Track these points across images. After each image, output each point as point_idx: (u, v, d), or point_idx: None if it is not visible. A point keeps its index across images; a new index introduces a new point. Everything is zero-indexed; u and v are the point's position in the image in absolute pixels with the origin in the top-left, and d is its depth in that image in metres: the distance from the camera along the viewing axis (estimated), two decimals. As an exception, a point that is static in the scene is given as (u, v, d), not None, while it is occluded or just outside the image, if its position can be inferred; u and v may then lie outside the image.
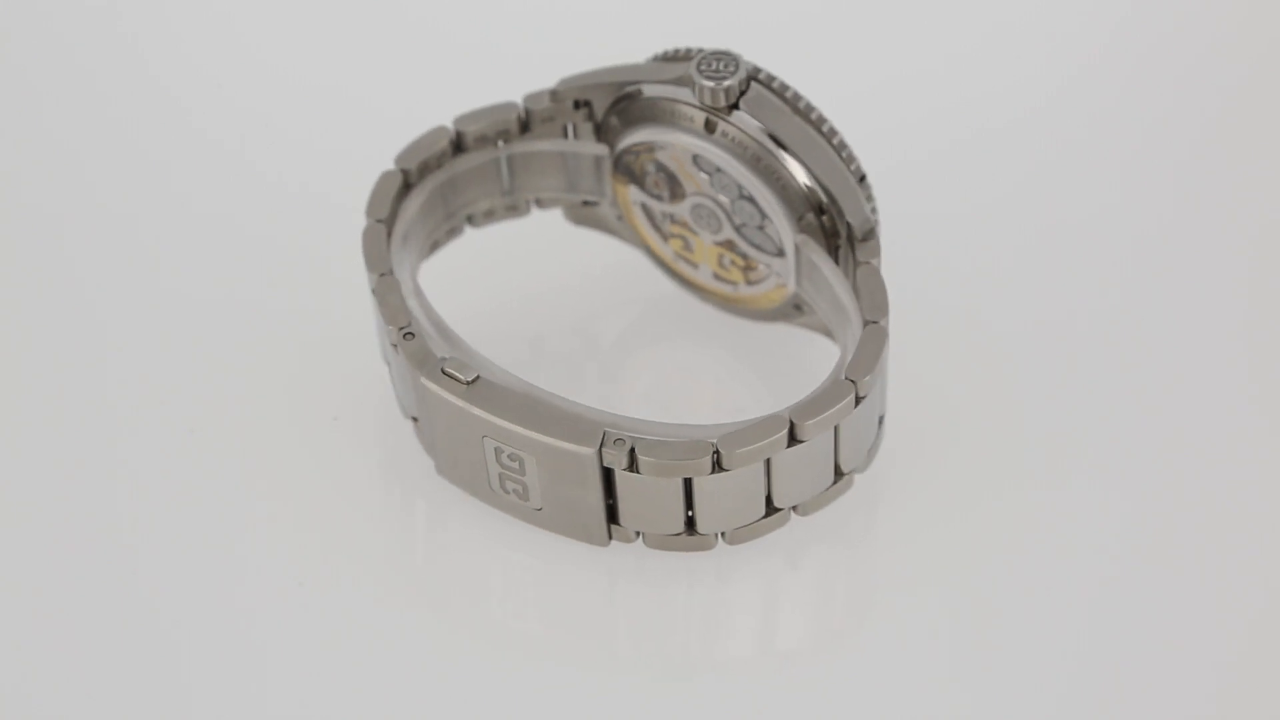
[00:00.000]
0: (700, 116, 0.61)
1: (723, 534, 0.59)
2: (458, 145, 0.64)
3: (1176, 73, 0.78)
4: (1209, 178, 0.73)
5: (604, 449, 0.56)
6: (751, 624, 0.60)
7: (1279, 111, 0.76)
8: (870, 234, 0.60)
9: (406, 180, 0.63)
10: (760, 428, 0.56)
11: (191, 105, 0.77)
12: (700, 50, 0.61)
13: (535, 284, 0.69)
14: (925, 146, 0.74)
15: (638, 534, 0.59)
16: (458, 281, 0.65)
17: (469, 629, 0.60)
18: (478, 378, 0.57)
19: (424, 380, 0.58)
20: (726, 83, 0.60)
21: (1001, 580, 0.59)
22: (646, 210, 0.65)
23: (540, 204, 0.67)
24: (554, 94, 0.64)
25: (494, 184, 0.65)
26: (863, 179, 0.61)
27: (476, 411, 0.57)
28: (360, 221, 0.62)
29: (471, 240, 0.67)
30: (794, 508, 0.59)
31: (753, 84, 0.61)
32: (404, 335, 0.59)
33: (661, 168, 0.63)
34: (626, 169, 0.64)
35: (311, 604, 0.59)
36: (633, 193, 0.65)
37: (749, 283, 0.64)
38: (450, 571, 0.61)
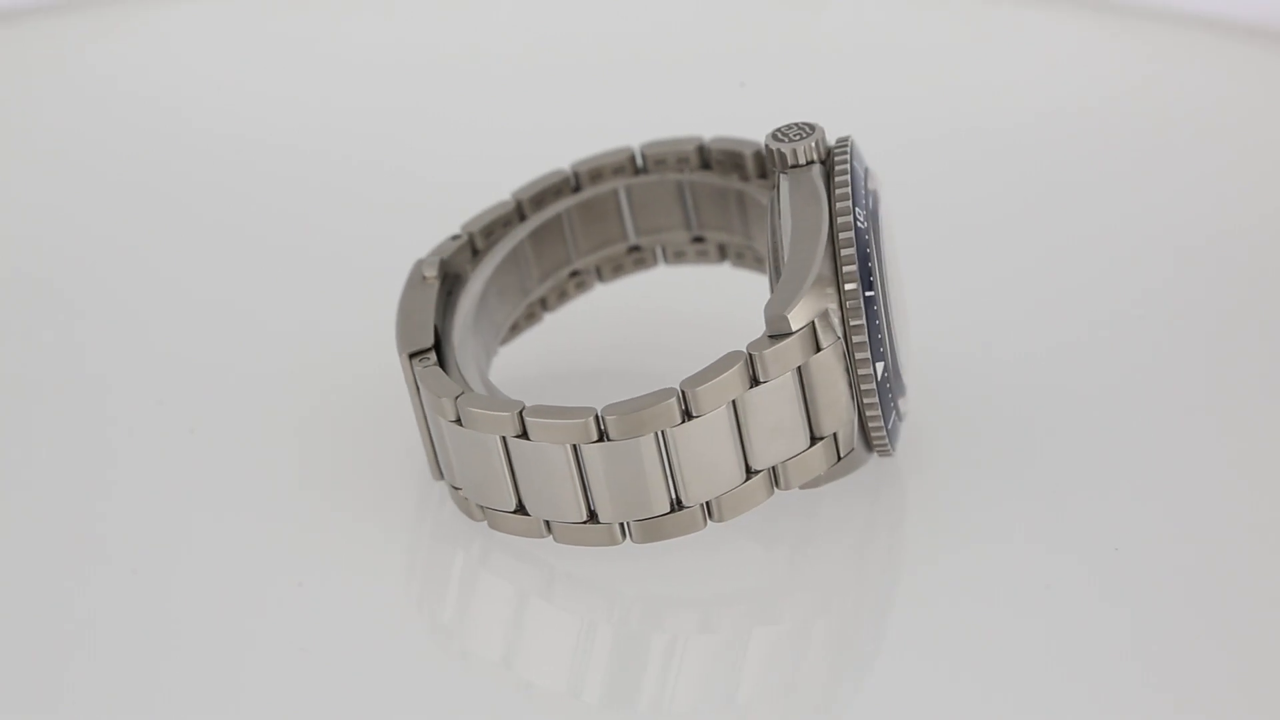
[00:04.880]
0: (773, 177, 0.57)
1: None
2: (703, 159, 0.62)
3: (1178, 80, 0.78)
4: (1210, 177, 0.73)
5: (414, 358, 0.55)
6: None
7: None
8: (780, 336, 0.53)
9: (635, 166, 0.63)
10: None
11: (195, 117, 0.79)
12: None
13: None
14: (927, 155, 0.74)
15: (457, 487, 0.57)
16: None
17: (469, 630, 0.59)
18: (433, 276, 0.58)
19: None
20: (780, 146, 0.56)
21: (1012, 584, 0.57)
22: None
23: None
24: (767, 148, 0.60)
25: (733, 217, 0.63)
26: (846, 286, 0.54)
27: (398, 296, 0.58)
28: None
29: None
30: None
31: (815, 162, 0.56)
32: (453, 236, 0.60)
33: None
34: None
35: (312, 605, 0.58)
36: None
37: None
38: (451, 574, 0.60)
